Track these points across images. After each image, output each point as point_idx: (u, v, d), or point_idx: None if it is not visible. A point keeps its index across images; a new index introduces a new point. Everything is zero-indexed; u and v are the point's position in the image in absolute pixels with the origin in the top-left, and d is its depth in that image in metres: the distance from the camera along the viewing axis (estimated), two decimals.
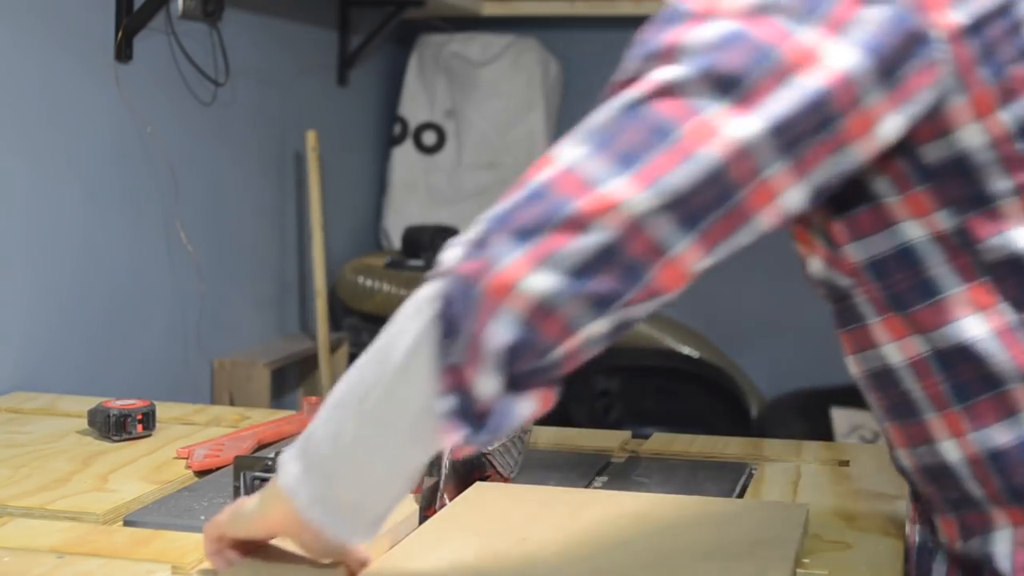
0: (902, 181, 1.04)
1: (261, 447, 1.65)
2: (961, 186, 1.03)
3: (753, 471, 1.64)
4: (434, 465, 1.37)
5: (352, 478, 1.03)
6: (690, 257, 0.96)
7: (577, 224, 0.93)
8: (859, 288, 1.09)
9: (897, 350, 1.09)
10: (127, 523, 1.38)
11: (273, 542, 1.13)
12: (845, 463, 1.68)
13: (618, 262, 0.94)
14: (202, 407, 2.00)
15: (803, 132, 0.96)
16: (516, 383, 0.96)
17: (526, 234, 0.94)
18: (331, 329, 3.24)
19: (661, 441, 1.79)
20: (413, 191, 3.93)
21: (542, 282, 0.93)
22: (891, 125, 0.99)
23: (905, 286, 1.07)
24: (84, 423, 1.78)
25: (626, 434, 1.82)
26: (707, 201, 0.95)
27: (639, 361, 3.79)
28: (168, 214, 2.67)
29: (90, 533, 1.32)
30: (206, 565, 1.20)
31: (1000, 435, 1.07)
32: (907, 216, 1.05)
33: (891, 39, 0.97)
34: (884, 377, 1.11)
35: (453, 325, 0.96)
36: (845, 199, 1.06)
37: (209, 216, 2.86)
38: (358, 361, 1.03)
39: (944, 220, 1.04)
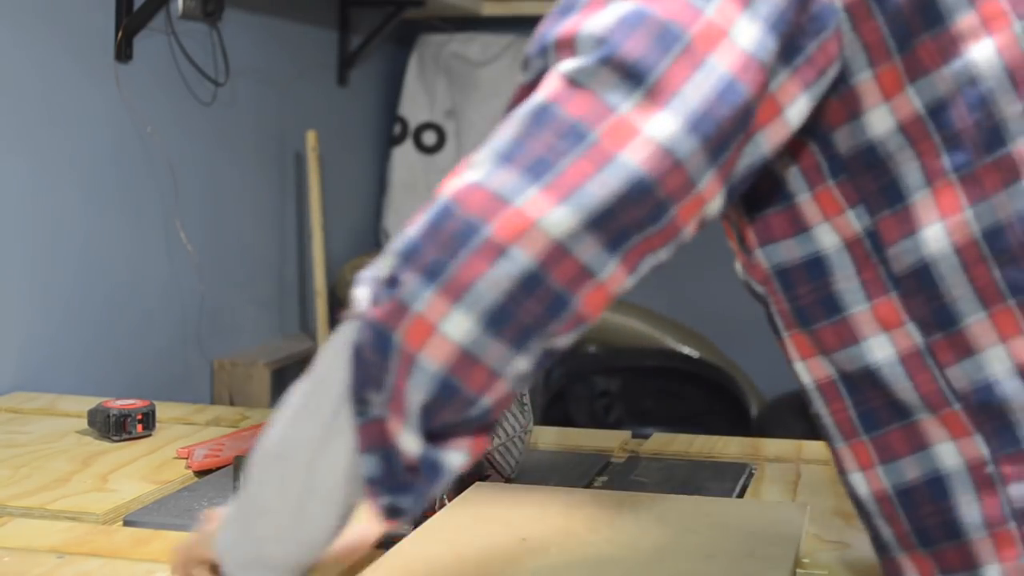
0: (814, 174, 0.95)
1: None
2: (872, 179, 0.94)
3: (753, 471, 1.64)
4: None
5: (283, 541, 0.96)
6: (616, 280, 0.87)
7: (491, 251, 0.84)
8: (771, 298, 1.01)
9: (806, 370, 1.00)
10: (127, 523, 1.38)
11: None
12: None
13: (542, 292, 0.84)
14: (202, 407, 2.01)
15: (723, 121, 0.86)
16: (443, 435, 0.89)
17: (437, 269, 0.85)
18: (331, 329, 3.24)
19: (661, 441, 1.79)
20: (413, 191, 3.93)
21: (459, 327, 0.85)
22: (799, 107, 0.91)
23: (809, 300, 0.98)
24: (84, 423, 1.78)
25: (626, 434, 1.82)
26: (636, 218, 0.85)
27: (639, 361, 3.79)
28: (168, 214, 2.67)
29: (90, 533, 1.32)
30: None
31: (909, 470, 0.97)
32: (819, 219, 0.96)
33: (792, 11, 0.89)
34: (805, 395, 1.02)
35: (370, 378, 0.89)
36: (757, 199, 0.98)
37: (209, 216, 2.86)
38: (286, 409, 0.97)
39: (855, 221, 0.95)
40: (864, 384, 0.97)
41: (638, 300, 3.74)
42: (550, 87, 0.87)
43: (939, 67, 0.92)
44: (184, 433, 1.77)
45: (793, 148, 0.95)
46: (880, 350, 0.96)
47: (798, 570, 1.23)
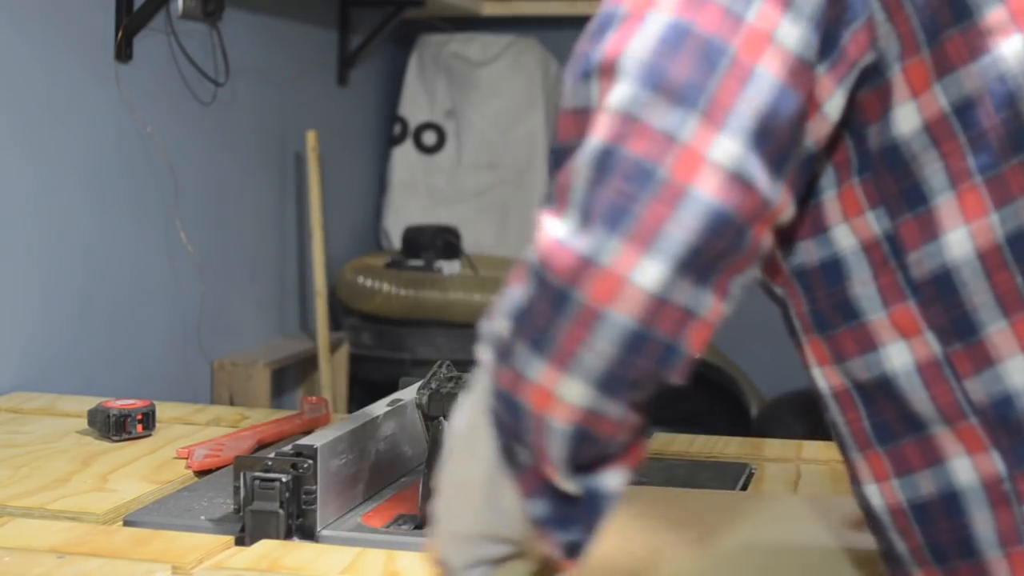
0: (844, 169, 0.93)
1: (261, 447, 1.65)
2: (894, 181, 0.92)
3: (753, 471, 1.64)
4: (434, 463, 1.37)
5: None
6: (715, 311, 0.86)
7: (590, 317, 0.83)
8: (791, 300, 0.99)
9: (823, 376, 0.98)
10: (127, 523, 1.38)
11: None
12: None
13: (649, 347, 0.84)
14: (202, 407, 2.00)
15: (780, 129, 0.85)
16: (593, 465, 0.90)
17: (542, 340, 0.85)
18: (331, 329, 3.24)
19: (661, 441, 1.79)
20: (413, 191, 3.93)
21: (575, 393, 0.85)
22: (836, 101, 0.89)
23: (826, 304, 0.96)
24: (84, 423, 1.78)
25: None
26: (720, 248, 0.84)
27: None
28: (168, 214, 2.67)
29: (90, 533, 1.32)
30: (207, 565, 1.20)
31: (924, 484, 0.94)
32: (838, 220, 0.94)
33: (828, 2, 0.87)
34: (821, 401, 1.00)
35: (512, 436, 0.91)
36: None
37: (209, 216, 2.86)
38: (452, 450, 0.98)
39: (874, 223, 0.93)
40: (879, 395, 0.95)
41: None
42: (605, 126, 0.85)
43: (966, 63, 0.90)
44: (184, 433, 1.77)
45: (830, 141, 0.93)
46: (898, 358, 0.94)
47: None
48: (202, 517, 1.38)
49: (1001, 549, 0.93)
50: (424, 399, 1.41)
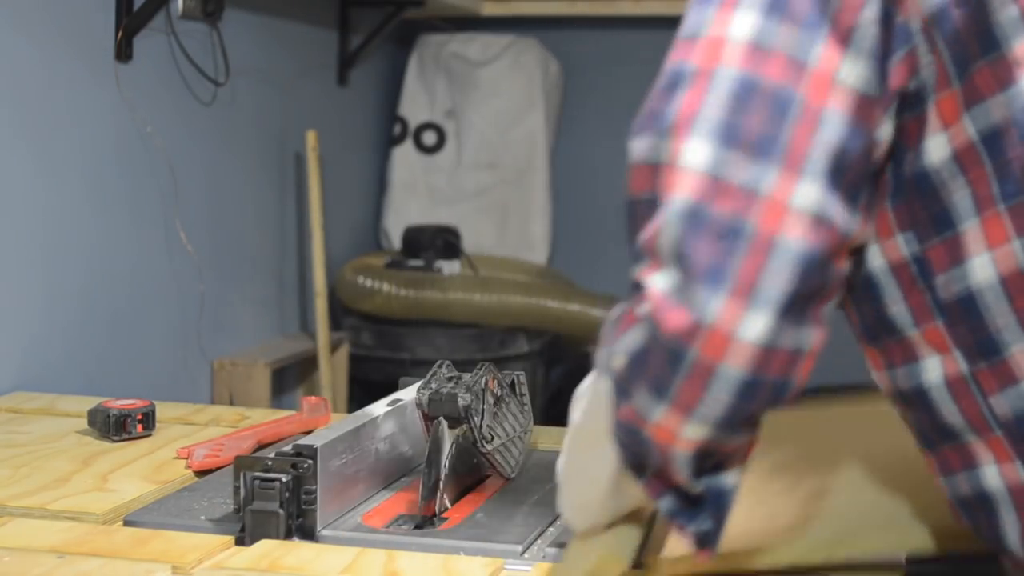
0: (882, 191, 0.98)
1: (261, 447, 1.65)
2: (922, 207, 0.96)
3: None
4: (434, 463, 1.37)
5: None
6: (817, 342, 0.91)
7: (706, 374, 0.89)
8: (846, 311, 1.05)
9: (879, 381, 1.06)
10: (127, 523, 1.38)
11: None
12: None
13: (763, 392, 0.90)
14: (202, 407, 2.00)
15: (853, 165, 0.90)
16: (714, 469, 0.98)
17: (661, 388, 0.91)
18: (331, 329, 3.24)
19: None
20: (413, 191, 3.93)
21: (698, 434, 0.92)
22: (885, 128, 0.93)
23: (871, 319, 1.02)
24: (84, 423, 1.78)
25: None
26: (813, 287, 0.89)
27: None
28: (168, 214, 2.67)
29: (90, 533, 1.32)
30: (207, 565, 1.20)
31: (963, 485, 1.02)
32: (871, 240, 0.99)
33: (881, 34, 0.91)
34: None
35: (638, 458, 0.99)
36: None
37: (209, 216, 2.86)
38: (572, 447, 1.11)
39: (903, 246, 0.98)
40: (915, 405, 1.02)
41: None
42: (688, 185, 0.89)
43: (995, 93, 0.93)
44: (184, 433, 1.77)
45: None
46: (932, 371, 0.99)
47: None
48: (202, 517, 1.38)
49: None
50: (424, 399, 1.41)
